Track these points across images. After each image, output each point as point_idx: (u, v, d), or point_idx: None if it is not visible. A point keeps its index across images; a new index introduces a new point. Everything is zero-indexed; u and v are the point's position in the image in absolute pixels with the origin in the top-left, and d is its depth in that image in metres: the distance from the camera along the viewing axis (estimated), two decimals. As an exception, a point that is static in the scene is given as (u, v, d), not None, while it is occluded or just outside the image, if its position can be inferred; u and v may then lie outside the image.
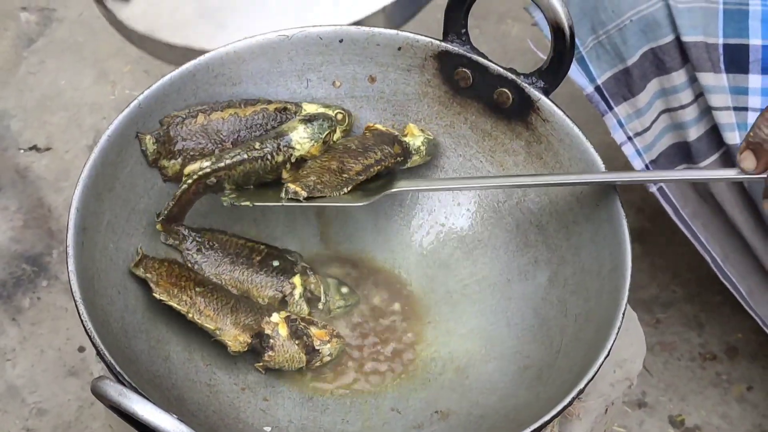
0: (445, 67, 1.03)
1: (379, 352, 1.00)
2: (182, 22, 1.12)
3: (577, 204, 0.98)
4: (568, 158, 0.99)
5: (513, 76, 1.01)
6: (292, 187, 0.97)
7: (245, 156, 0.97)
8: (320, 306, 1.01)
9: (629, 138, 1.25)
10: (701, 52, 1.17)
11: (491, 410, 0.94)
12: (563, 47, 0.98)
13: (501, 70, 1.01)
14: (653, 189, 1.26)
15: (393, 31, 1.03)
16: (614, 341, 0.87)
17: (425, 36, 1.03)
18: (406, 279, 1.04)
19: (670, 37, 1.19)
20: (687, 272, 1.60)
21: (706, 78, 1.18)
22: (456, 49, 1.02)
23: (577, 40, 1.07)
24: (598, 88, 1.24)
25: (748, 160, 0.90)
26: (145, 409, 0.75)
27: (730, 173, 0.92)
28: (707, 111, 1.21)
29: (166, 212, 0.97)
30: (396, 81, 1.04)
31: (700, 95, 1.21)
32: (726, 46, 1.16)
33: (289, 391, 0.97)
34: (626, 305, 0.89)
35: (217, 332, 0.94)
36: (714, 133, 1.22)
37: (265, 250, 1.02)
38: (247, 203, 0.98)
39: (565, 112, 0.99)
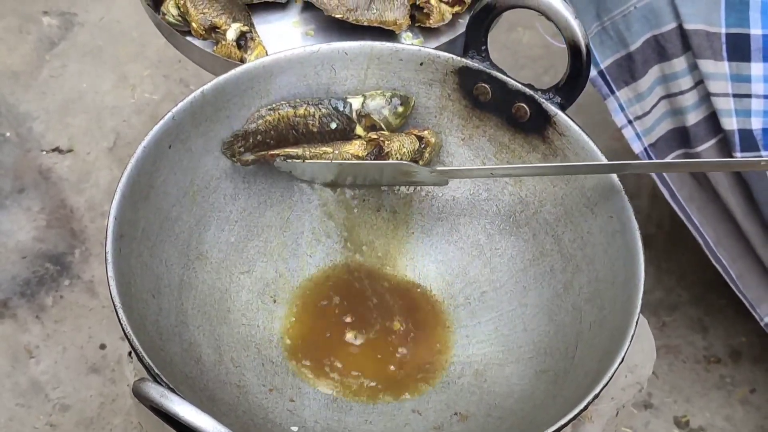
0: (465, 82, 1.06)
1: (400, 355, 1.03)
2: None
3: (591, 215, 1.01)
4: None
5: (531, 92, 1.04)
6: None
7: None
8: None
9: (629, 121, 1.28)
10: (702, 40, 1.20)
11: (509, 412, 0.97)
12: (579, 64, 1.01)
13: (519, 85, 1.04)
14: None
15: (416, 47, 1.06)
16: (627, 349, 0.90)
17: (446, 52, 1.06)
18: (427, 286, 1.08)
19: (672, 25, 1.22)
20: (692, 276, 1.62)
21: (706, 65, 1.21)
22: (476, 65, 1.05)
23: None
24: (601, 73, 1.27)
25: None
26: (187, 411, 0.78)
27: None
28: (706, 97, 1.24)
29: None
30: (417, 95, 1.08)
31: (699, 82, 1.24)
32: (728, 35, 1.19)
33: (314, 392, 1.00)
34: (639, 314, 0.93)
35: (336, 153, 1.04)
36: (712, 119, 1.25)
37: (318, 116, 1.06)
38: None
39: (581, 127, 1.03)
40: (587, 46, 1.00)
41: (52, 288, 1.58)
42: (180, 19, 1.14)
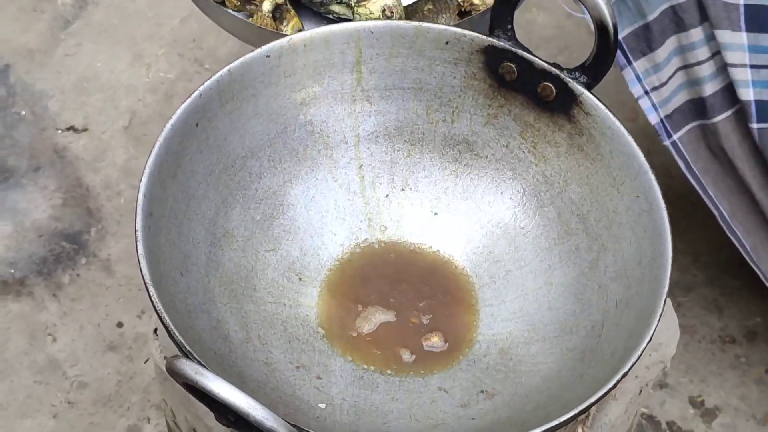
0: (491, 61, 1.06)
1: (425, 334, 1.04)
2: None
3: (617, 194, 1.01)
4: (609, 150, 1.02)
5: (557, 71, 1.04)
6: None
7: None
8: None
9: (646, 92, 1.28)
10: (720, 11, 1.20)
11: (535, 390, 0.97)
12: (607, 44, 1.01)
13: (545, 65, 1.04)
14: (667, 143, 1.29)
15: (442, 26, 1.06)
16: (655, 329, 0.90)
17: (472, 31, 1.06)
18: (452, 264, 1.08)
19: None
20: (707, 257, 1.63)
21: (724, 35, 1.21)
22: (502, 44, 1.05)
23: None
24: (618, 43, 1.27)
25: None
26: (221, 387, 0.78)
27: None
28: (723, 68, 1.24)
29: None
30: (443, 74, 1.08)
31: (717, 53, 1.24)
32: (747, 6, 1.20)
33: (341, 369, 1.01)
34: (666, 295, 0.93)
35: None
36: (728, 90, 1.26)
37: None
38: None
39: (607, 107, 1.03)
40: (614, 26, 1.00)
41: (68, 266, 1.58)
42: None
